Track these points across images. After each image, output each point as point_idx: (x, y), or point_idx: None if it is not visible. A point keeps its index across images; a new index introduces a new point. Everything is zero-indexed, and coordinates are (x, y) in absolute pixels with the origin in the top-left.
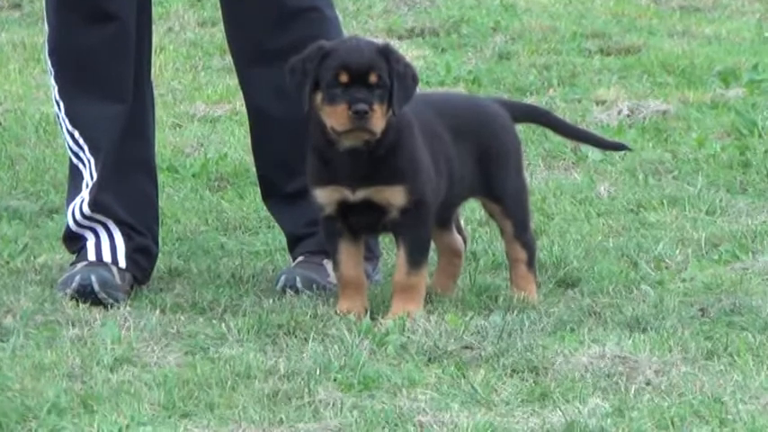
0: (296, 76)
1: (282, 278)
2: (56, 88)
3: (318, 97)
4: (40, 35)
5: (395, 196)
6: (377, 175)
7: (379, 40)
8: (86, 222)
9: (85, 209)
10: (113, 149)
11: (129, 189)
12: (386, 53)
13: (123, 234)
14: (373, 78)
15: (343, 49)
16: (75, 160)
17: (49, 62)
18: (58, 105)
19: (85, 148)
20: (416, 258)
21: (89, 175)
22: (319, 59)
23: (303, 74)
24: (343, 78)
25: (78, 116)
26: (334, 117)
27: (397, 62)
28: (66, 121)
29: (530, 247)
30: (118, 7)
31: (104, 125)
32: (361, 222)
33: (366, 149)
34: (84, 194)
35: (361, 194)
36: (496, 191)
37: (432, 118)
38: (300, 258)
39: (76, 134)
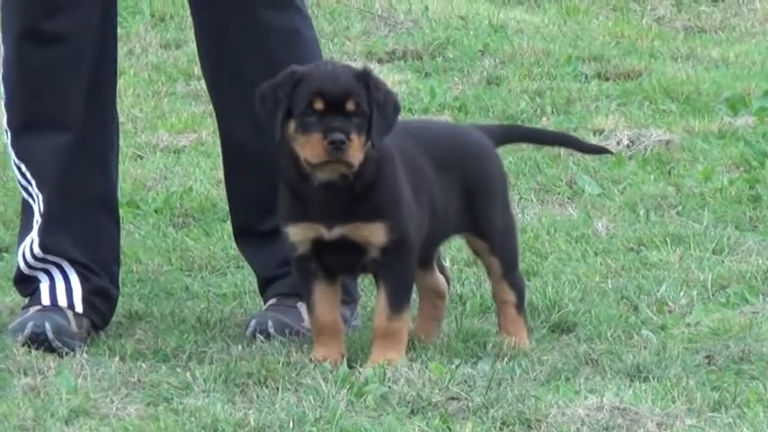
0: (267, 104)
1: (253, 322)
2: (5, 115)
3: (291, 126)
4: None
5: (374, 234)
6: (355, 211)
7: (358, 65)
8: (39, 264)
9: (36, 250)
10: (61, 183)
11: (83, 226)
12: (365, 79)
13: (79, 275)
14: (351, 106)
15: (317, 75)
16: (25, 195)
17: (2, 87)
18: (6, 134)
19: (33, 182)
20: (398, 302)
21: (38, 212)
22: (292, 85)
23: (274, 101)
24: (318, 106)
25: (24, 147)
26: (308, 148)
27: (376, 89)
28: (13, 152)
29: (519, 288)
30: (67, 27)
31: (51, 156)
32: (338, 263)
33: (343, 184)
34: (35, 234)
35: (337, 232)
36: (482, 226)
37: (412, 148)
38: (272, 301)
39: (23, 167)
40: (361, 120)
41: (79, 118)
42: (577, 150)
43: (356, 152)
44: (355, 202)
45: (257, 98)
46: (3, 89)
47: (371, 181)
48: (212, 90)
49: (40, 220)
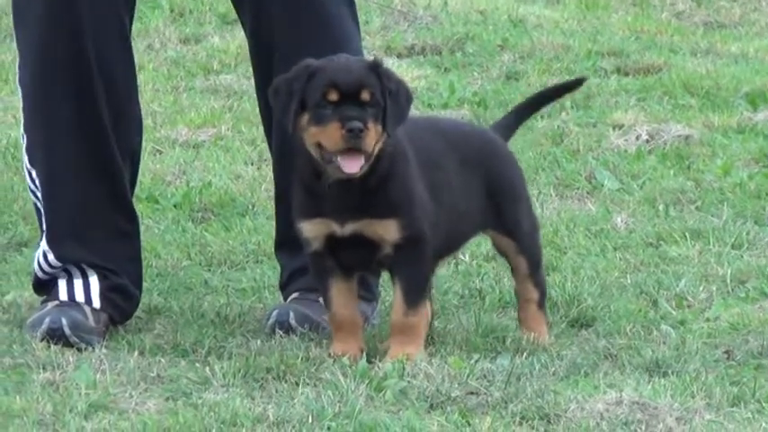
0: (281, 97)
1: (275, 313)
2: (23, 120)
3: (305, 119)
4: (8, 53)
5: (387, 230)
6: (367, 207)
7: (369, 57)
8: (55, 270)
9: (52, 260)
10: (75, 191)
11: (100, 232)
12: (376, 69)
13: (98, 274)
14: (365, 96)
15: (331, 67)
16: (33, 198)
17: (19, 90)
18: (23, 138)
19: (41, 190)
20: (414, 297)
21: (46, 220)
22: (306, 78)
23: (288, 94)
24: (333, 97)
25: (36, 153)
26: (325, 137)
27: (388, 79)
28: (26, 157)
29: (542, 287)
30: (87, 40)
31: (64, 165)
32: (352, 259)
33: (356, 179)
34: (46, 246)
35: (350, 228)
36: (510, 226)
37: (434, 145)
38: (294, 295)
39: (34, 173)
40: (376, 109)
41: (97, 122)
42: (560, 94)
43: (372, 140)
44: (368, 198)
45: (271, 92)
46: (20, 93)
47: (385, 177)
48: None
49: (47, 230)
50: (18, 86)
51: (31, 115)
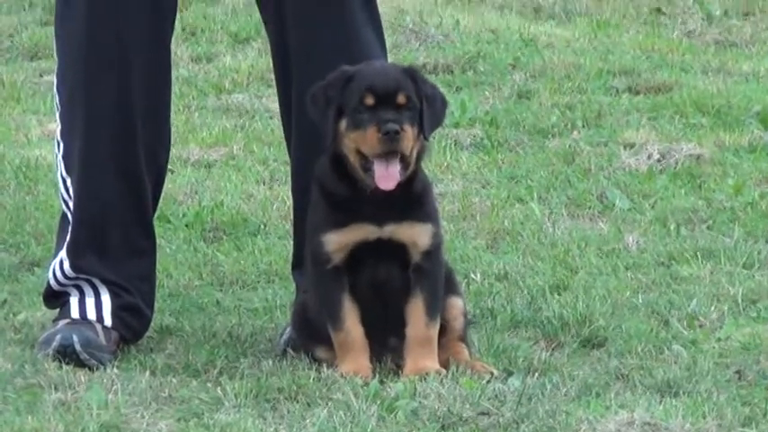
0: (318, 105)
1: (288, 330)
2: (59, 127)
3: (343, 125)
4: (20, 72)
5: (423, 235)
6: (409, 210)
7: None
8: (69, 282)
9: (67, 269)
10: (102, 202)
11: (118, 247)
12: (411, 74)
13: (110, 292)
14: (401, 99)
15: (367, 72)
16: (64, 208)
17: (56, 97)
18: (58, 146)
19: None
20: (435, 308)
21: (72, 230)
22: (343, 84)
23: (326, 101)
24: (369, 101)
25: (72, 161)
26: (363, 142)
27: (424, 83)
28: (62, 164)
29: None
30: (125, 48)
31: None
32: (375, 272)
33: (397, 187)
34: (64, 254)
35: (389, 231)
36: None
37: None
38: None
39: (68, 182)
40: (413, 113)
41: (131, 135)
42: None
43: (410, 142)
44: (409, 202)
45: (309, 100)
46: (57, 100)
47: (423, 181)
48: (291, 111)
49: (70, 239)
50: (55, 93)
51: (68, 123)
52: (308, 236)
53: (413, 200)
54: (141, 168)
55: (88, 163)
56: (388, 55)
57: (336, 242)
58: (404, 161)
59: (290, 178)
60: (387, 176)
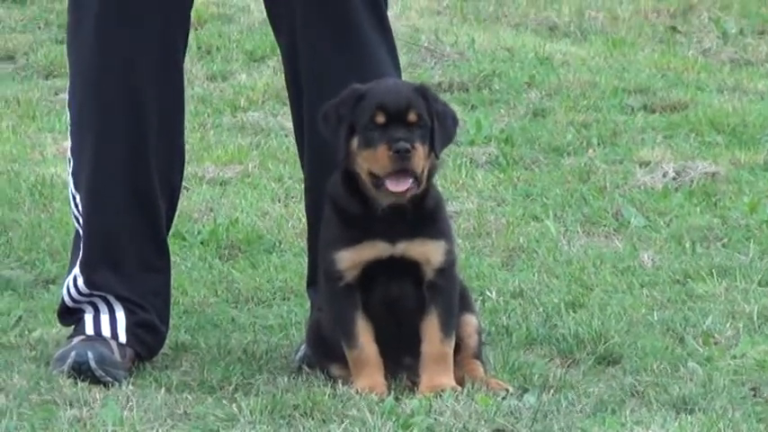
0: (330, 123)
1: (303, 347)
2: (71, 144)
3: (354, 143)
4: (35, 90)
5: (437, 252)
6: (421, 227)
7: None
8: (84, 298)
9: (82, 286)
10: (115, 220)
11: (133, 264)
12: (423, 91)
13: (125, 309)
14: (412, 117)
15: (378, 90)
16: (76, 225)
17: (68, 113)
18: (69, 162)
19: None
20: (451, 326)
21: (85, 246)
22: (354, 102)
23: (337, 119)
24: (380, 119)
25: (81, 177)
26: (374, 160)
27: (435, 101)
28: (72, 181)
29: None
30: (139, 74)
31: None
32: (387, 290)
33: (410, 200)
34: (78, 270)
35: (401, 248)
36: None
37: None
38: None
39: (78, 198)
40: (424, 131)
41: (143, 153)
42: None
43: (420, 161)
44: (421, 219)
45: (320, 118)
46: (68, 117)
47: (435, 198)
48: (306, 130)
49: (83, 255)
50: (67, 110)
51: (78, 141)
52: (320, 253)
53: (425, 217)
54: (154, 188)
55: (97, 181)
56: (403, 74)
57: (349, 260)
58: (415, 179)
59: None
60: (399, 182)
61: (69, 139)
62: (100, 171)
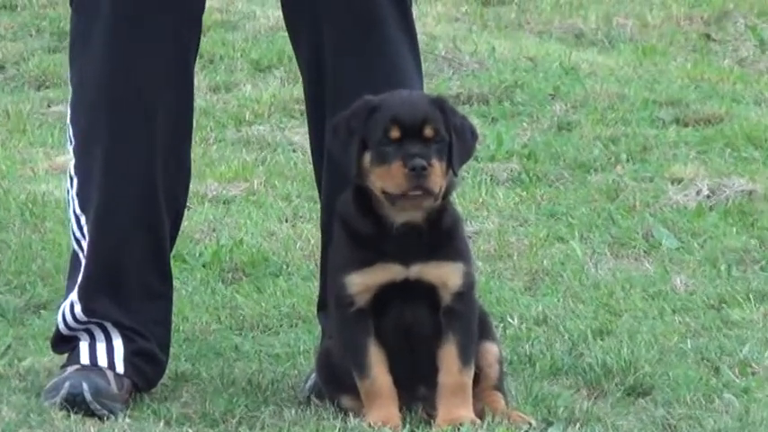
0: (340, 136)
1: (314, 376)
2: (73, 161)
3: (367, 159)
4: (26, 102)
5: (453, 275)
6: (437, 249)
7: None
8: (80, 326)
9: (79, 314)
10: (117, 244)
11: (133, 290)
12: (440, 104)
13: (123, 336)
14: (429, 132)
15: (392, 102)
16: (75, 248)
17: (70, 130)
18: (71, 181)
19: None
20: (469, 353)
21: (84, 271)
22: (366, 115)
23: (348, 133)
24: (395, 134)
25: (89, 199)
26: (388, 178)
27: (453, 114)
28: (76, 201)
29: None
30: (143, 82)
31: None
32: (402, 315)
33: (425, 224)
34: (75, 297)
35: (416, 271)
36: None
37: None
38: None
39: (83, 220)
40: (441, 146)
41: (150, 173)
42: None
43: (438, 178)
44: (437, 240)
45: (330, 131)
46: (71, 132)
47: (452, 218)
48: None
49: (82, 281)
50: (68, 125)
51: (84, 160)
52: (329, 277)
53: (441, 237)
54: (161, 211)
55: (107, 204)
56: None
57: (360, 284)
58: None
59: (314, 215)
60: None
61: (72, 156)
62: (109, 195)
